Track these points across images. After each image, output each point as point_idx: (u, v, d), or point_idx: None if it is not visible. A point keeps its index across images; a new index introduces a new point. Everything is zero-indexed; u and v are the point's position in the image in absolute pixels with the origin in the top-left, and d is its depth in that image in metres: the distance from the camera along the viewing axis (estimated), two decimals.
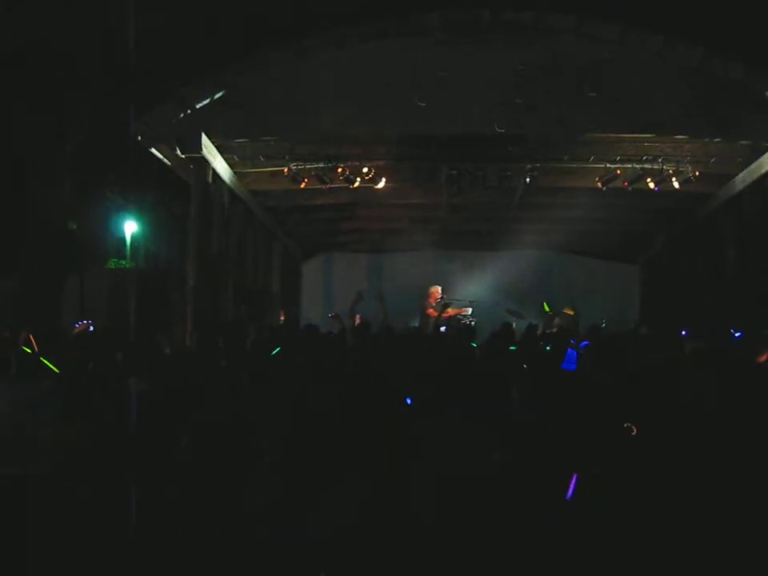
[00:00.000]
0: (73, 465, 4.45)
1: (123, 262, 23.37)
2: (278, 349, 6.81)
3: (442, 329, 11.99)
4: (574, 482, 3.89)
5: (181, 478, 4.50)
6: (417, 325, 15.70)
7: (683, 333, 10.64)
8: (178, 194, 15.93)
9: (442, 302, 15.83)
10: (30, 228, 13.23)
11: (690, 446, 4.16)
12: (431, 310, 15.82)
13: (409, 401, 4.93)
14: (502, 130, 12.38)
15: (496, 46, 12.32)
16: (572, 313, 14.12)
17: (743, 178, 13.65)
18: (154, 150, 12.92)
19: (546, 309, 15.44)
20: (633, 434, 4.20)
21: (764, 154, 12.70)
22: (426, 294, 16.22)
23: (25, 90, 12.24)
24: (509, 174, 13.75)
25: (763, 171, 12.83)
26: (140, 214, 22.75)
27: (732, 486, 3.93)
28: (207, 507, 4.33)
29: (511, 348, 7.45)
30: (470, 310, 15.85)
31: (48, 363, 5.65)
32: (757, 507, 3.87)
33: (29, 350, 6.50)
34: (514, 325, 12.93)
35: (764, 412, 4.40)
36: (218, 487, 4.41)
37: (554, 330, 9.53)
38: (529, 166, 13.69)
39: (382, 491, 4.13)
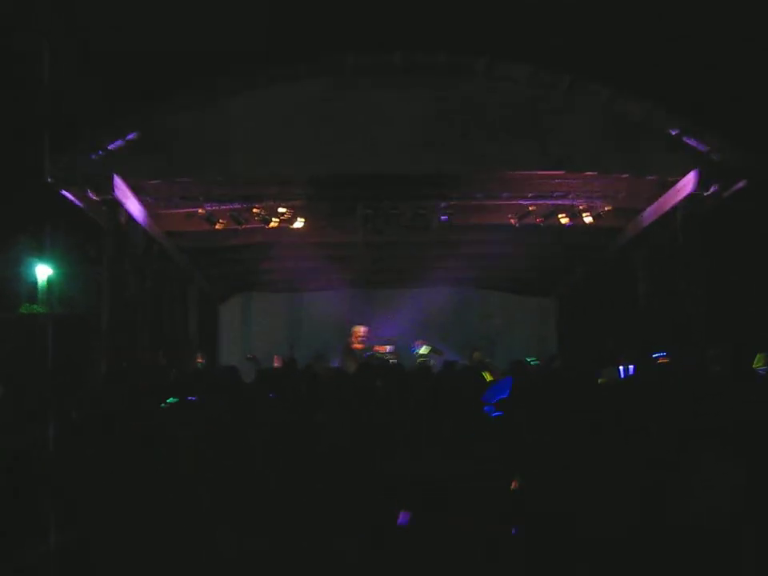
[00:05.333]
0: None
1: (36, 307, 22.85)
2: (173, 398, 6.71)
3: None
4: None
5: None
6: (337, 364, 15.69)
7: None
8: (93, 237, 15.68)
9: (366, 341, 15.87)
10: None
11: None
12: (357, 344, 15.80)
13: None
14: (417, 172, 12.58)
15: (409, 87, 12.53)
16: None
17: (650, 213, 14.01)
18: (65, 193, 12.70)
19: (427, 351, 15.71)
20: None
21: (670, 189, 13.07)
22: (348, 333, 16.22)
23: None
24: (423, 212, 13.87)
25: (669, 206, 13.19)
26: (53, 257, 22.41)
27: None
28: None
29: None
30: (389, 348, 15.90)
31: None
32: None
33: None
34: (432, 362, 13.06)
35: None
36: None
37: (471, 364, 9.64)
38: (443, 203, 13.83)
39: None
